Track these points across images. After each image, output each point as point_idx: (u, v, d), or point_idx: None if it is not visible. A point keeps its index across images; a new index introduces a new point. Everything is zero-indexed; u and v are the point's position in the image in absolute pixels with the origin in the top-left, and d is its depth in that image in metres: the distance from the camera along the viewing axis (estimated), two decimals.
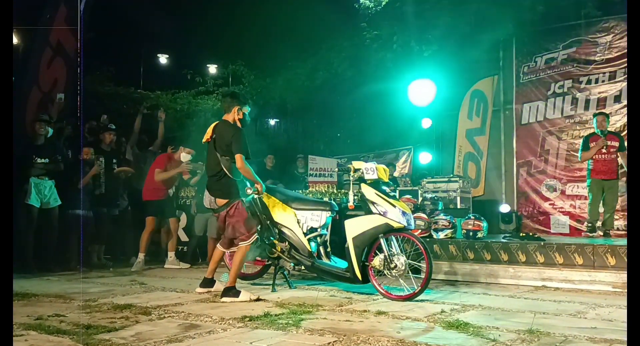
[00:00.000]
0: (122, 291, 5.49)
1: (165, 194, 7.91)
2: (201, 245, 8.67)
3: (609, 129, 7.70)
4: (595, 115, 7.96)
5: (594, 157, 7.59)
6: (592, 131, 8.01)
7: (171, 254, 7.89)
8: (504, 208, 9.36)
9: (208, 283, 5.41)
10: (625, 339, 3.42)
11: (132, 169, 8.34)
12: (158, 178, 7.71)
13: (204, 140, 5.30)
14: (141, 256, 7.61)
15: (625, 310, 3.93)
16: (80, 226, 7.40)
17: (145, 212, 7.82)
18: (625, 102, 8.91)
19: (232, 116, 5.30)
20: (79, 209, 7.43)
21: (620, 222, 8.66)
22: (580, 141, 8.06)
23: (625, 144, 7.63)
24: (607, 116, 7.84)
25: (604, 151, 7.53)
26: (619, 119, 8.89)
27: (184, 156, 7.75)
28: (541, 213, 9.87)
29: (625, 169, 7.62)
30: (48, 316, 4.08)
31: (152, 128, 9.19)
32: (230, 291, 4.95)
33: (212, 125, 5.32)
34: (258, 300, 4.93)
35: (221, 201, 5.18)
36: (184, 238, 8.88)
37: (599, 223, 7.67)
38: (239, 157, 5.09)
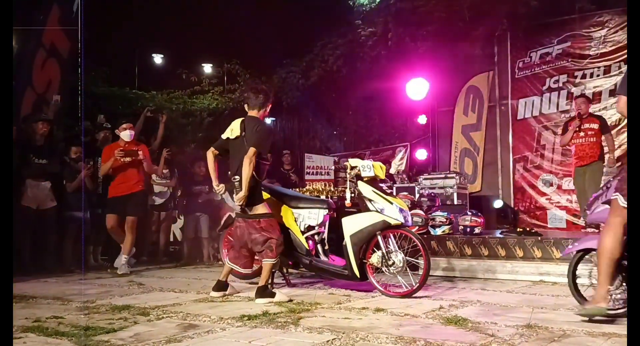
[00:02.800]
0: (120, 292, 5.48)
1: (127, 189, 7.09)
2: (196, 246, 8.68)
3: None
4: (575, 98, 8.01)
5: (573, 142, 7.55)
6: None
7: (124, 258, 7.05)
8: (497, 204, 9.40)
9: (222, 286, 5.18)
10: (624, 333, 3.44)
11: None
12: (101, 172, 7.26)
13: (231, 137, 5.10)
14: (123, 258, 7.05)
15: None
16: (76, 228, 7.40)
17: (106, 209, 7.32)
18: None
19: (262, 113, 5.19)
20: (76, 211, 7.40)
21: None
22: None
23: (609, 126, 7.69)
24: (588, 99, 7.84)
25: (582, 134, 7.48)
26: (614, 113, 8.90)
27: (125, 134, 7.00)
28: (538, 207, 9.89)
29: (609, 152, 7.51)
30: (46, 318, 4.07)
31: (151, 129, 9.20)
32: (265, 291, 4.81)
33: (239, 121, 5.12)
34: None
35: (257, 209, 4.99)
36: (180, 238, 8.90)
37: None
38: (252, 150, 4.90)
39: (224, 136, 5.18)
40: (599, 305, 3.68)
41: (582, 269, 4.20)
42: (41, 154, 7.15)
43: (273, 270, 5.71)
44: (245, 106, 5.27)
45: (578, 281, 4.19)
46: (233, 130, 5.12)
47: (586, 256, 4.20)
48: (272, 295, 4.79)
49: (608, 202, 3.81)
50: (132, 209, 7.09)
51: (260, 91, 5.27)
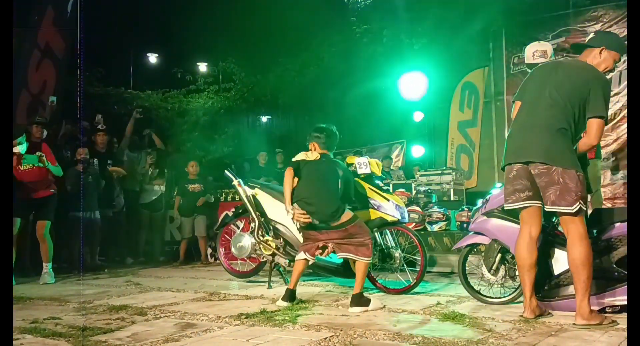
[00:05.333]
0: (118, 292, 5.48)
1: (34, 193, 6.51)
2: (193, 245, 8.69)
3: None
4: None
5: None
6: None
7: (45, 267, 6.43)
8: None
9: (292, 295, 4.67)
10: (621, 326, 3.45)
11: (124, 170, 8.34)
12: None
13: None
14: (45, 266, 6.43)
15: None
16: (74, 228, 7.38)
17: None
18: (615, 90, 8.94)
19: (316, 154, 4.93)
20: (75, 211, 7.39)
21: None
22: None
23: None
24: None
25: None
26: (609, 108, 8.91)
27: (18, 148, 6.26)
28: None
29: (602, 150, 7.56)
30: (43, 319, 4.07)
31: (142, 130, 9.24)
32: (361, 299, 4.40)
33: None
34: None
35: (347, 215, 4.66)
36: (178, 238, 8.90)
37: (589, 210, 7.66)
38: None
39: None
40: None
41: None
42: None
43: (274, 269, 5.73)
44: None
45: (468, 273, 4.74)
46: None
47: (474, 250, 4.80)
48: (367, 303, 4.36)
49: (487, 214, 4.44)
50: (43, 214, 6.56)
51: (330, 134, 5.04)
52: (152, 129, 9.32)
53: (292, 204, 4.70)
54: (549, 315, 3.87)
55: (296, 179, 4.79)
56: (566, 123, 3.65)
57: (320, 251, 4.67)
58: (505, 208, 3.99)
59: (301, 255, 4.73)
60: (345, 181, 4.82)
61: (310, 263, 4.82)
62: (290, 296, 4.60)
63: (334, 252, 4.68)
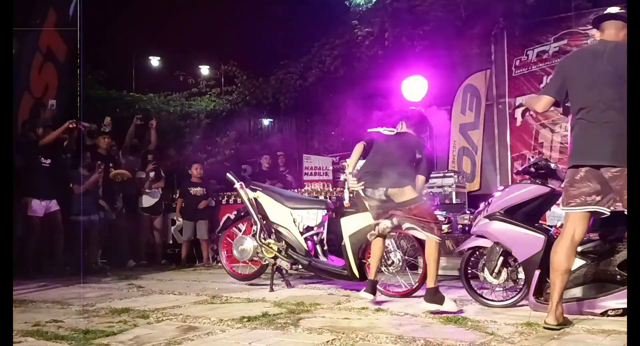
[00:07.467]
0: (120, 295, 5.48)
1: None
2: (195, 248, 8.69)
3: None
4: None
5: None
6: None
7: None
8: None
9: (374, 286, 4.70)
10: (623, 330, 3.44)
11: (128, 173, 8.35)
12: None
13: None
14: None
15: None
16: (74, 231, 7.39)
17: None
18: None
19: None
20: (78, 214, 7.40)
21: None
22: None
23: None
24: None
25: None
26: None
27: None
28: None
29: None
30: (46, 322, 4.07)
31: (142, 135, 9.25)
32: (435, 295, 4.24)
33: None
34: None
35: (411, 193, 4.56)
36: (180, 240, 8.90)
37: None
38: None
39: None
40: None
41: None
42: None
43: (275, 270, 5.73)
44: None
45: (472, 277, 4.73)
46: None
47: (476, 253, 4.75)
48: (442, 301, 4.19)
49: (489, 216, 4.42)
50: None
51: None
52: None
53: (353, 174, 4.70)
54: (571, 325, 3.63)
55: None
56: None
57: (390, 223, 4.58)
58: (564, 210, 3.69)
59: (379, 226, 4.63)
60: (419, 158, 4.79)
61: (385, 241, 4.82)
62: (372, 286, 4.67)
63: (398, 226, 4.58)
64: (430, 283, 4.30)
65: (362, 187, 4.59)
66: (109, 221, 8.08)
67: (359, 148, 4.83)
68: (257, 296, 5.27)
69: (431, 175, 8.57)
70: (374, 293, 4.68)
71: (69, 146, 7.71)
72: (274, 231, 5.67)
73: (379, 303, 4.70)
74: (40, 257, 7.25)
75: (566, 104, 3.74)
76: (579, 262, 4.09)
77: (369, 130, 4.98)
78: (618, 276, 3.88)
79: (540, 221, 4.80)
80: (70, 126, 7.18)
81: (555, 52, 9.65)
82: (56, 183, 7.25)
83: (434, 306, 4.19)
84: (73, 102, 8.40)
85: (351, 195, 5.60)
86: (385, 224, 4.61)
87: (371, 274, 4.73)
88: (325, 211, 5.74)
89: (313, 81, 11.26)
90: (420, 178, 4.79)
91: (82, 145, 7.83)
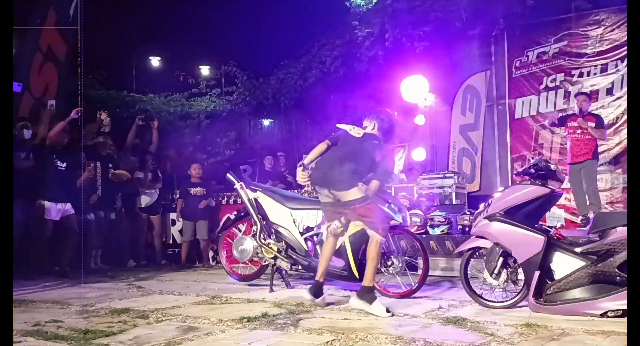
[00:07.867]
0: (120, 295, 5.48)
1: None
2: (195, 248, 8.69)
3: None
4: (576, 95, 8.07)
5: (570, 138, 7.67)
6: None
7: None
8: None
9: (318, 287, 4.68)
10: (623, 331, 3.44)
11: (127, 173, 8.34)
12: None
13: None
14: None
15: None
16: (75, 231, 7.38)
17: None
18: (617, 94, 8.95)
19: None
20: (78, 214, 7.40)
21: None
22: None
23: (604, 123, 7.82)
24: (589, 96, 7.93)
25: (579, 131, 7.55)
26: (611, 112, 8.90)
27: None
28: None
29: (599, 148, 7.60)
30: (46, 322, 4.07)
31: (144, 135, 9.24)
32: (368, 294, 4.28)
33: None
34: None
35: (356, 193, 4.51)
36: (179, 240, 8.90)
37: (590, 214, 7.68)
38: None
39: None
40: None
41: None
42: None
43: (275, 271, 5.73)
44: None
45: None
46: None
47: (476, 254, 4.82)
48: (371, 301, 4.22)
49: (489, 217, 4.46)
50: None
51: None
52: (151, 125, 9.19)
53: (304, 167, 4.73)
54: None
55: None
56: None
57: (339, 223, 4.61)
58: None
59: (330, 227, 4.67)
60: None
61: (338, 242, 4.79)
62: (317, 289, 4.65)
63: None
64: (366, 281, 4.34)
65: (308, 181, 4.68)
66: (108, 221, 8.07)
67: (321, 147, 4.84)
68: (257, 296, 5.27)
69: (431, 175, 8.69)
70: (316, 296, 4.59)
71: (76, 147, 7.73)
72: (274, 232, 5.67)
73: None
74: (45, 258, 7.23)
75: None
76: (578, 263, 4.10)
77: (337, 125, 4.97)
78: (618, 277, 3.89)
79: (540, 222, 4.79)
80: (75, 116, 7.23)
81: (555, 53, 9.66)
82: (72, 186, 7.27)
83: (361, 305, 4.21)
84: (73, 102, 8.40)
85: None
86: (335, 224, 4.65)
87: (317, 275, 4.68)
88: None
89: (313, 81, 11.26)
90: (374, 183, 4.66)
91: (82, 146, 7.82)
